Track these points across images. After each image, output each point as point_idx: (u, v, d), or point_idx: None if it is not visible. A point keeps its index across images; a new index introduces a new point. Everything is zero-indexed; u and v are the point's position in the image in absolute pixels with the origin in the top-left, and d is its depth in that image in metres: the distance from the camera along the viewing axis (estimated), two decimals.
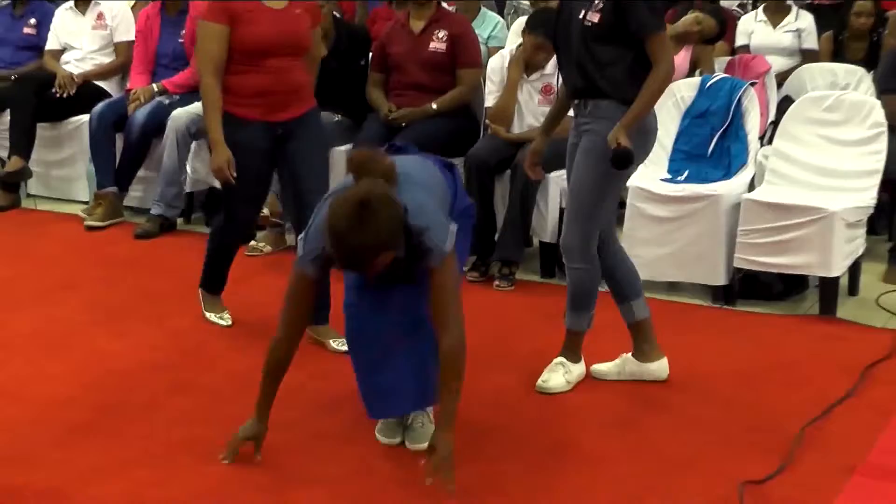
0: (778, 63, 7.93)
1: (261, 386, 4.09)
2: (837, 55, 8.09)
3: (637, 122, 4.47)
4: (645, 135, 4.67)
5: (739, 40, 8.44)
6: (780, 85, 7.54)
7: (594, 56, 4.54)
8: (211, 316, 5.42)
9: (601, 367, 5.02)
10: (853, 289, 6.29)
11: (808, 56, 8.21)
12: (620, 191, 4.90)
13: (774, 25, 8.39)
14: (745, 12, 9.18)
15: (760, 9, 8.61)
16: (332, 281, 4.60)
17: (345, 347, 4.54)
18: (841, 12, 8.44)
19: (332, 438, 4.37)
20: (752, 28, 8.43)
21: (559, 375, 4.87)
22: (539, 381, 4.86)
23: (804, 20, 8.39)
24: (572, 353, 4.93)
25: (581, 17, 4.54)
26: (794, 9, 8.48)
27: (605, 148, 4.47)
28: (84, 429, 4.41)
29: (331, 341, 5.13)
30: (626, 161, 4.38)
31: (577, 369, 4.93)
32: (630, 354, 5.00)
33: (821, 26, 8.41)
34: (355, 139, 6.81)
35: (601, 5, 4.49)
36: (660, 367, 4.98)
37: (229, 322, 5.43)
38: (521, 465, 4.14)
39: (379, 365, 4.20)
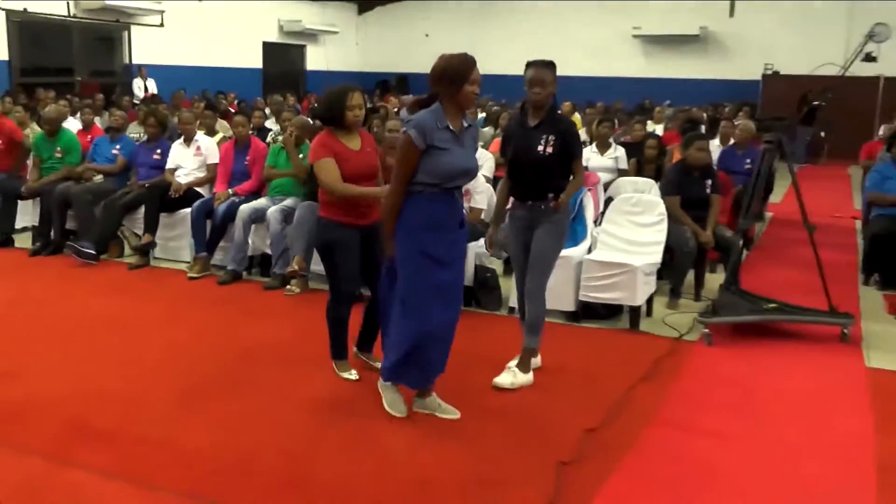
0: (605, 177, 7.97)
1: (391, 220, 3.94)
2: (638, 172, 8.10)
3: (569, 197, 4.57)
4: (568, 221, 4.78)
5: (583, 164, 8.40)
6: (605, 189, 7.52)
7: (550, 173, 4.51)
8: (343, 374, 4.78)
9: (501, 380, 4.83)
10: (649, 312, 6.25)
11: (622, 173, 8.21)
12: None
13: (602, 154, 8.42)
14: (585, 147, 9.18)
15: (593, 145, 8.63)
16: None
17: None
18: (640, 146, 8.44)
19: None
20: (589, 156, 8.42)
21: (510, 376, 4.67)
22: (495, 380, 4.66)
23: (619, 151, 8.44)
24: (524, 365, 4.74)
25: (539, 149, 4.50)
26: (614, 144, 8.52)
27: (560, 229, 4.56)
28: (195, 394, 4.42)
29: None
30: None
31: (524, 377, 4.71)
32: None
33: (630, 154, 8.42)
34: None
35: (553, 140, 4.47)
36: (537, 360, 4.93)
37: (357, 377, 4.74)
38: None
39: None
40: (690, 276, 6.71)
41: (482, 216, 6.59)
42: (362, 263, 4.61)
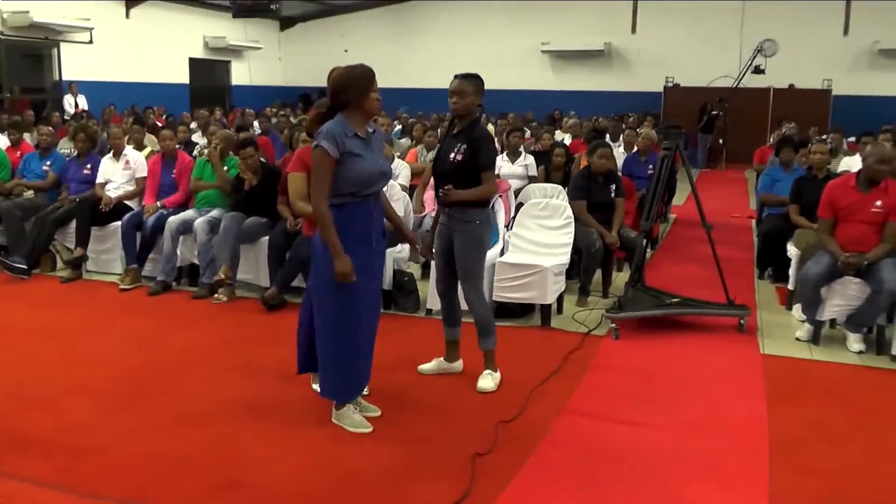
0: (516, 183, 8.01)
1: (330, 235, 3.73)
2: (547, 179, 8.18)
3: (468, 198, 4.42)
4: (491, 224, 4.79)
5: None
6: (516, 195, 7.57)
7: (459, 180, 4.45)
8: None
9: (424, 366, 4.92)
10: (560, 310, 6.32)
11: (532, 179, 8.27)
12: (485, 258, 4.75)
13: (513, 162, 8.45)
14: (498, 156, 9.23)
15: (504, 153, 8.67)
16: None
17: None
18: (548, 154, 8.54)
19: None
20: (501, 164, 8.39)
21: (490, 380, 4.67)
22: (478, 385, 4.64)
23: (529, 159, 8.47)
24: (492, 365, 4.75)
25: (451, 156, 4.49)
26: (524, 153, 8.57)
27: (475, 236, 4.50)
28: (128, 401, 4.31)
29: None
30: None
31: (498, 376, 4.72)
32: (443, 358, 4.95)
33: (539, 162, 8.49)
34: (270, 233, 6.57)
35: (464, 149, 4.45)
36: (459, 364, 4.96)
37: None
38: None
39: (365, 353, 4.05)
40: (598, 275, 6.82)
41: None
42: None
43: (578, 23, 21.61)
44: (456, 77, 4.53)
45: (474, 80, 4.53)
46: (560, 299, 6.30)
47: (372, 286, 4.00)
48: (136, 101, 17.34)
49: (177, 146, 7.68)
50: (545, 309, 5.97)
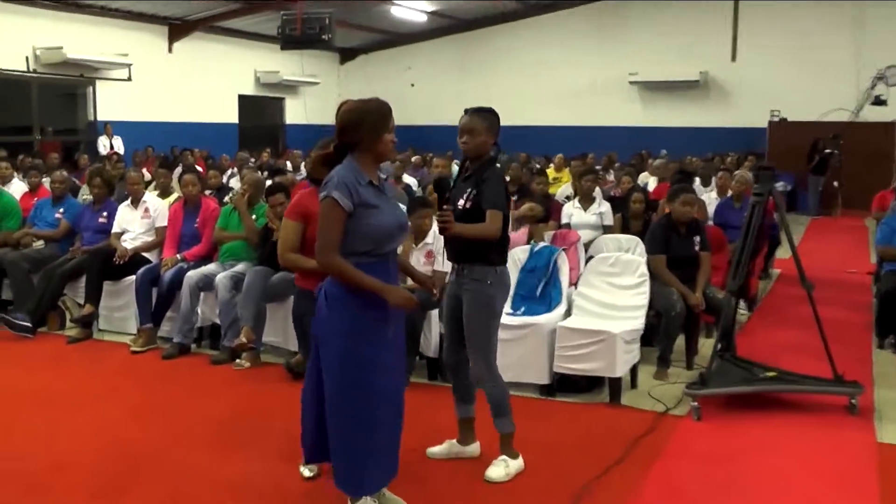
0: (589, 234, 7.87)
1: (362, 279, 3.60)
2: (624, 229, 7.95)
3: (464, 234, 4.18)
4: (506, 286, 4.50)
5: (564, 219, 8.34)
6: (587, 248, 7.38)
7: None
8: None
9: (434, 449, 4.72)
10: (634, 384, 6.10)
11: (607, 230, 8.09)
12: (498, 326, 4.54)
13: (585, 210, 8.31)
14: (569, 202, 9.06)
15: (576, 199, 8.51)
16: None
17: None
18: (626, 200, 8.31)
19: None
20: (572, 212, 8.34)
21: (501, 469, 4.45)
22: (486, 474, 4.43)
23: (604, 206, 8.34)
24: (509, 450, 4.53)
25: (460, 203, 4.33)
26: (598, 198, 8.42)
27: (482, 298, 4.31)
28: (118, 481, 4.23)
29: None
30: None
31: (516, 464, 4.51)
32: (455, 440, 4.74)
33: (616, 209, 8.31)
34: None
35: (473, 195, 4.30)
36: (475, 448, 4.74)
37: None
38: None
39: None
40: (682, 342, 6.56)
41: (448, 279, 6.40)
42: None
43: (671, 50, 21.38)
44: (466, 112, 4.41)
45: (487, 115, 4.40)
46: (634, 371, 6.08)
47: (391, 358, 3.80)
48: (178, 143, 17.72)
49: (207, 192, 7.67)
50: (614, 383, 5.75)
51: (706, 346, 6.81)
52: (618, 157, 16.50)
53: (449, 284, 4.60)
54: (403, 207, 4.54)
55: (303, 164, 14.24)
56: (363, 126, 3.70)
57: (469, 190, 4.34)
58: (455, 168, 14.95)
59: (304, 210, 4.28)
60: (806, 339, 6.97)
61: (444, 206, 4.03)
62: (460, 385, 4.68)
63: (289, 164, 15.38)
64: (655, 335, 6.47)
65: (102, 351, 7.02)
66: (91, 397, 5.79)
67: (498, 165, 4.47)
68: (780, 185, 7.69)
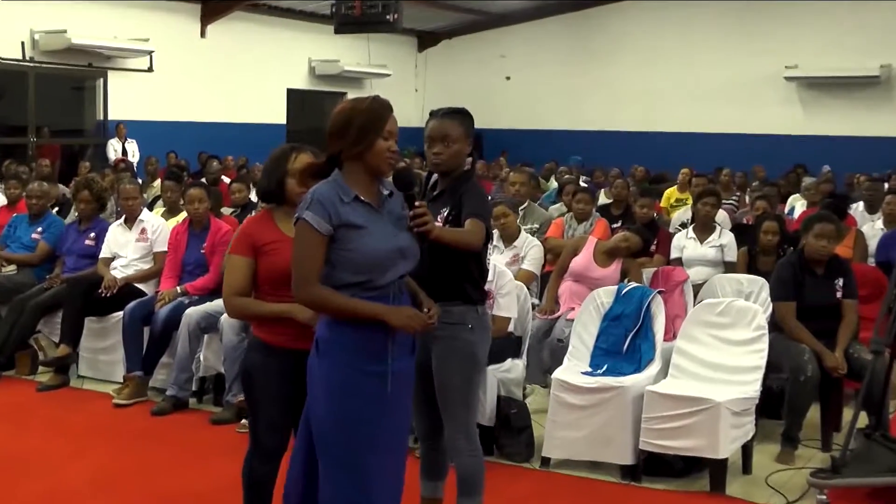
0: (705, 273, 7.89)
1: (355, 306, 3.66)
2: (751, 266, 7.86)
3: (444, 238, 4.10)
4: (488, 331, 4.60)
5: (674, 253, 8.35)
6: (696, 292, 7.36)
7: (441, 264, 4.28)
8: None
9: None
10: (746, 468, 6.02)
11: (729, 267, 8.04)
12: (482, 381, 4.60)
13: (701, 241, 8.30)
14: (682, 230, 8.99)
15: (690, 228, 8.48)
16: None
17: None
18: (752, 231, 8.22)
19: None
20: (684, 244, 8.35)
21: None
22: None
23: (726, 237, 8.30)
24: None
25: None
26: (718, 228, 8.41)
27: (462, 347, 4.32)
28: None
29: None
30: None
31: None
32: None
33: (742, 241, 8.23)
34: None
35: (449, 214, 4.37)
36: None
37: None
38: None
39: None
40: (816, 414, 6.50)
41: (511, 327, 6.42)
42: (294, 405, 4.23)
43: (841, 39, 21.08)
44: (433, 115, 4.45)
45: (462, 118, 4.45)
46: (747, 451, 6.02)
47: (394, 426, 3.83)
48: (207, 148, 17.78)
49: (229, 211, 7.79)
50: (717, 466, 5.70)
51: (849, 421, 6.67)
52: (765, 174, 16.32)
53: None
54: None
55: None
56: (350, 131, 3.76)
57: (443, 211, 4.37)
58: (552, 184, 15.03)
59: (252, 241, 4.32)
60: None
61: (417, 204, 3.93)
62: (432, 455, 4.70)
63: None
64: (780, 405, 6.40)
65: (79, 402, 7.20)
66: (53, 461, 5.89)
67: (474, 180, 4.47)
68: None
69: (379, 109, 3.80)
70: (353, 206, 3.72)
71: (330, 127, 3.80)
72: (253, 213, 8.58)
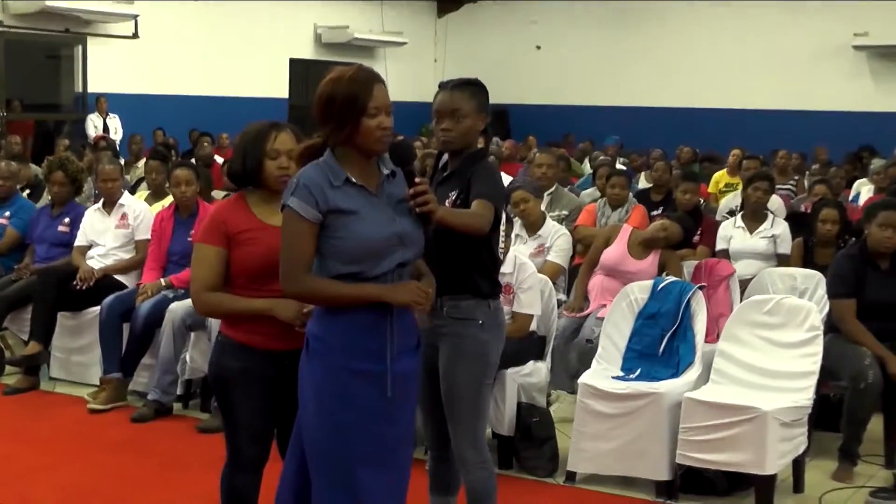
0: (754, 266, 7.91)
1: (350, 291, 3.70)
2: (807, 259, 7.87)
3: (448, 221, 4.09)
4: (502, 329, 4.58)
5: (719, 244, 8.36)
6: (744, 287, 7.41)
7: (449, 252, 4.31)
8: None
9: None
10: (798, 486, 6.05)
11: (782, 260, 8.06)
12: (492, 385, 4.62)
13: (751, 231, 8.32)
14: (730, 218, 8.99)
15: (739, 216, 8.51)
16: None
17: None
18: (809, 219, 8.22)
19: None
20: (731, 234, 8.37)
21: None
22: None
23: (779, 227, 8.33)
24: None
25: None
26: (770, 216, 8.42)
27: (470, 347, 4.35)
28: None
29: None
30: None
31: None
32: None
33: (797, 231, 8.27)
34: None
35: (458, 196, 4.40)
36: None
37: None
38: None
39: None
40: (878, 426, 6.53)
41: (533, 325, 6.44)
42: (275, 411, 4.34)
43: None
44: (443, 87, 4.47)
45: (475, 90, 4.47)
46: (798, 468, 6.05)
47: (395, 436, 3.86)
48: (199, 125, 17.88)
49: (223, 194, 7.81)
50: (764, 484, 5.71)
51: None
52: (828, 156, 16.27)
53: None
54: None
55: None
56: (334, 105, 3.78)
57: (452, 193, 4.40)
58: (586, 167, 15.02)
59: (225, 229, 4.30)
60: None
61: (417, 180, 3.91)
62: (442, 468, 4.72)
63: None
64: (838, 416, 6.42)
65: (50, 407, 7.26)
66: (19, 473, 5.93)
67: (492, 158, 4.48)
68: None
69: (360, 83, 3.77)
70: (345, 190, 3.75)
71: (315, 103, 3.82)
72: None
